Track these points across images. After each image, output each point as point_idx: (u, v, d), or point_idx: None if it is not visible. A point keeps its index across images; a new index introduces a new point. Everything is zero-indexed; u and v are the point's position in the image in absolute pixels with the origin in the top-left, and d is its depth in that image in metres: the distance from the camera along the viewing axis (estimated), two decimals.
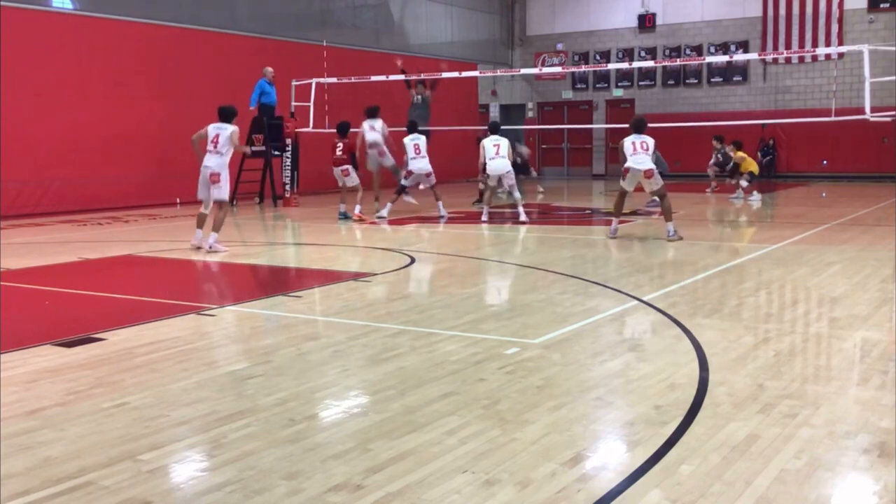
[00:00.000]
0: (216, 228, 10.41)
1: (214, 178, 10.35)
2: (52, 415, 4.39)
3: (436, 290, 8.03)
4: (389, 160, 15.30)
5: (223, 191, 10.48)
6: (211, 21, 19.52)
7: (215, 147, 10.36)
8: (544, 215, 15.40)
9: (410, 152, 14.30)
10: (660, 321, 6.45)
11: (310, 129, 17.71)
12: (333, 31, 21.55)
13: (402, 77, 17.63)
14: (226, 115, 10.58)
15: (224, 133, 10.37)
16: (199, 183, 10.54)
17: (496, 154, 13.71)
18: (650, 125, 12.44)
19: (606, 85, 27.84)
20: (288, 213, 16.28)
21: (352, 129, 14.77)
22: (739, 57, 24.14)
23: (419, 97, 17.16)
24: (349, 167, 14.31)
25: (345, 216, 14.34)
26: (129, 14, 17.34)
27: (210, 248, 10.33)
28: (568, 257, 9.96)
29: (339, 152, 14.39)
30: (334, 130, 14.91)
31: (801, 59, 24.60)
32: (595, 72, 27.71)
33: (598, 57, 27.46)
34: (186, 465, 3.78)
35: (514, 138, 16.24)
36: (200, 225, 10.55)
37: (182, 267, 9.99)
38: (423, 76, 17.46)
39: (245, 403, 4.54)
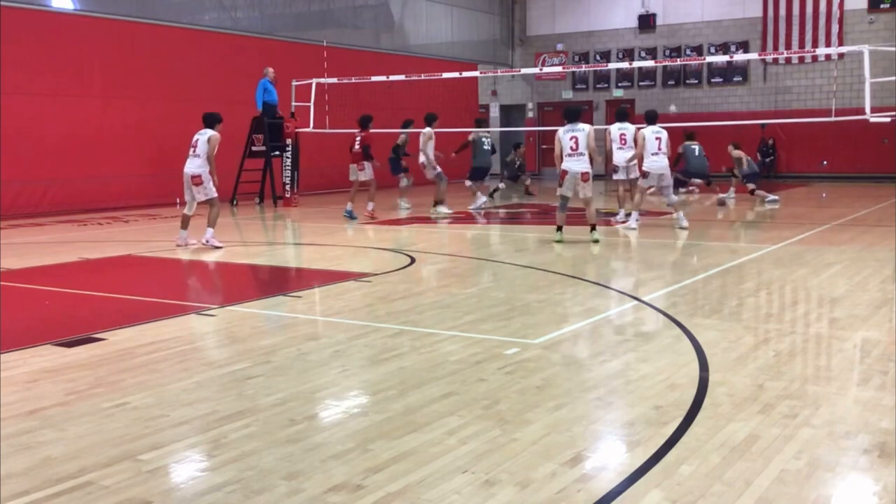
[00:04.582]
0: (210, 224, 10.90)
1: (196, 181, 10.86)
2: (52, 415, 4.39)
3: (436, 290, 8.03)
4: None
5: (208, 190, 10.92)
6: (211, 21, 19.54)
7: (194, 151, 10.90)
8: (543, 215, 15.38)
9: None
10: (660, 321, 6.45)
11: (310, 129, 17.71)
12: (333, 31, 21.55)
13: None
14: (208, 121, 11.09)
15: (202, 138, 10.89)
16: (184, 186, 11.11)
17: (658, 149, 12.13)
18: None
19: (607, 85, 27.83)
20: (288, 213, 16.28)
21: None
22: (739, 57, 24.14)
23: None
24: (365, 162, 14.39)
25: (350, 215, 14.39)
26: (130, 14, 17.35)
27: (206, 242, 10.76)
28: (568, 257, 9.96)
29: (356, 146, 14.49)
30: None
31: (802, 60, 24.59)
32: (595, 72, 27.70)
33: (598, 57, 27.45)
34: (186, 465, 3.78)
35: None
36: (185, 226, 11.07)
37: (182, 267, 9.99)
38: None
39: (245, 403, 4.53)
